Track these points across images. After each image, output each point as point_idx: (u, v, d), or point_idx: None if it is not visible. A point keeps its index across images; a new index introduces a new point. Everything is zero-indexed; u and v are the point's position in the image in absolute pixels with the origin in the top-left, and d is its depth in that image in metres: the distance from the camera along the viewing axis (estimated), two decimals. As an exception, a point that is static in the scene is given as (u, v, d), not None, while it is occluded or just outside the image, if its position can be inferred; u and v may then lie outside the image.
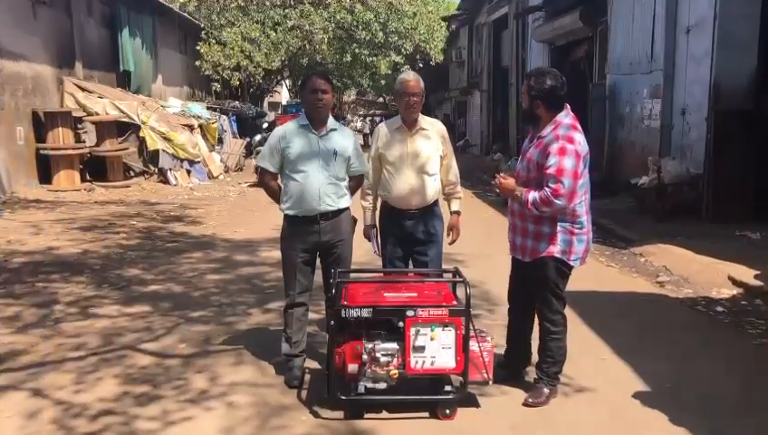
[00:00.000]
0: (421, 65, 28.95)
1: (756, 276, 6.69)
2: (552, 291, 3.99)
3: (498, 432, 3.65)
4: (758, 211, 9.37)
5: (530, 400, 3.98)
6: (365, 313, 3.65)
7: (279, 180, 4.38)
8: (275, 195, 4.37)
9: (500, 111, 24.40)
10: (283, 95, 39.91)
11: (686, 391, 4.17)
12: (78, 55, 15.26)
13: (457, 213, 4.69)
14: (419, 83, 4.40)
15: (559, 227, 3.86)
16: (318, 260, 4.41)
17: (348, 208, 4.37)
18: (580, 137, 3.81)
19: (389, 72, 27.50)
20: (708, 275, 7.03)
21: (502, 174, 4.07)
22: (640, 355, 4.76)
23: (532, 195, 3.78)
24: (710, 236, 8.72)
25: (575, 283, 6.61)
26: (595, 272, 7.54)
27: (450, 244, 4.70)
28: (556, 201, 3.71)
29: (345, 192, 4.33)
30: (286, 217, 4.30)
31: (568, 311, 5.75)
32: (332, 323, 3.68)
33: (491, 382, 3.89)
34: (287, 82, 36.44)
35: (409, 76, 4.48)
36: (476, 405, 3.91)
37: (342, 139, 4.30)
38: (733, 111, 9.55)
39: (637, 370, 4.49)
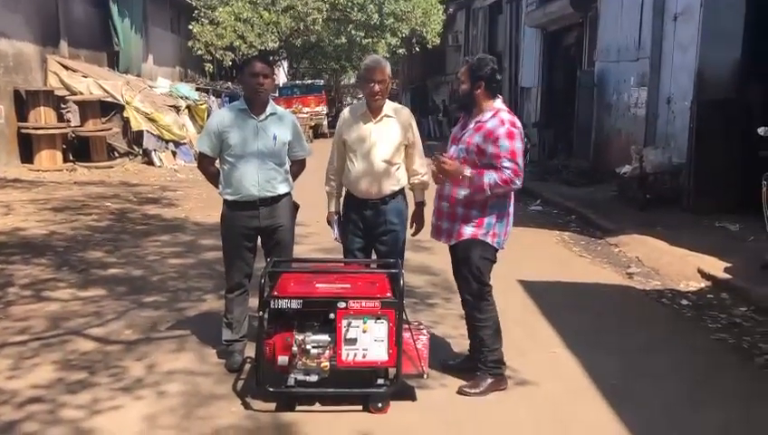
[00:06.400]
0: (417, 48, 28.76)
1: (726, 269, 6.59)
2: (474, 276, 3.93)
3: (429, 427, 3.57)
4: (741, 203, 9.20)
5: (465, 388, 3.91)
6: (294, 304, 3.56)
7: (217, 164, 4.31)
8: (214, 179, 4.32)
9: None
10: (280, 77, 39.67)
11: (632, 387, 4.09)
12: (63, 33, 15.04)
13: (422, 203, 4.48)
14: (385, 69, 4.18)
15: (487, 211, 3.87)
16: (261, 246, 4.34)
17: (289, 194, 4.29)
18: (518, 124, 3.90)
19: (387, 55, 27.17)
20: (679, 267, 6.93)
21: (443, 155, 3.88)
22: (593, 349, 4.67)
23: (489, 176, 3.74)
24: (689, 227, 8.62)
25: (541, 272, 6.65)
26: (565, 262, 7.47)
27: (413, 235, 4.50)
28: (516, 180, 3.77)
29: (285, 177, 4.26)
30: (226, 201, 4.24)
31: (527, 301, 5.78)
32: (261, 313, 3.59)
33: (426, 376, 3.80)
34: (284, 63, 36.23)
35: (373, 62, 4.24)
36: (413, 399, 3.84)
37: (282, 123, 4.22)
38: (716, 100, 9.38)
39: (586, 364, 4.40)
